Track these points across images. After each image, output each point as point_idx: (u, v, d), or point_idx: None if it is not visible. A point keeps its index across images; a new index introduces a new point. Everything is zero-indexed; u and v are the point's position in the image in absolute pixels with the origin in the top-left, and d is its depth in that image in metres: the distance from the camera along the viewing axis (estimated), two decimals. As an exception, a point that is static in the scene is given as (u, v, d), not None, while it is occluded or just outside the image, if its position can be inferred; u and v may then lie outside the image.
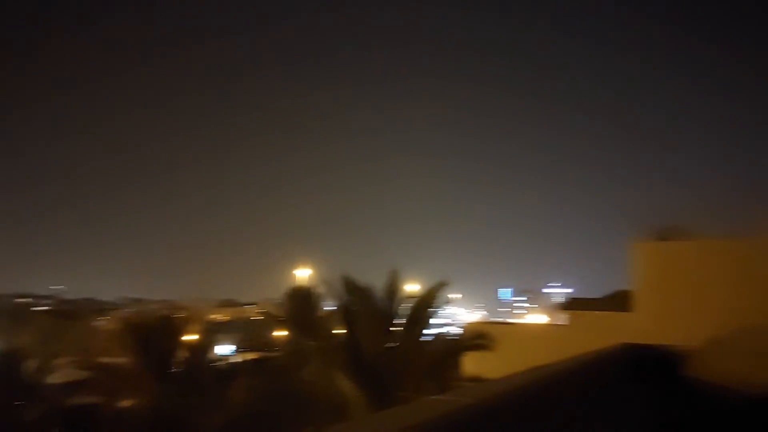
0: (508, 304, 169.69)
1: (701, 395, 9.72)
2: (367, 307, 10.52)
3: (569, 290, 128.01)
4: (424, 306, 11.54)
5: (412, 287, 15.22)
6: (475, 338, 15.13)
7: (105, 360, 16.40)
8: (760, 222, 20.29)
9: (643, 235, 20.62)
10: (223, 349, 35.77)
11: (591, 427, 8.72)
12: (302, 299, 15.93)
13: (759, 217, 20.67)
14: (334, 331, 11.88)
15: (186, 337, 16.54)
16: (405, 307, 11.79)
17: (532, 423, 5.45)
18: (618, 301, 23.07)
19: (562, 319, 27.34)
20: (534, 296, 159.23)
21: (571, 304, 30.14)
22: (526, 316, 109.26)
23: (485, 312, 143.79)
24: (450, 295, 16.22)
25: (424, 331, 12.42)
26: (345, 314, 10.77)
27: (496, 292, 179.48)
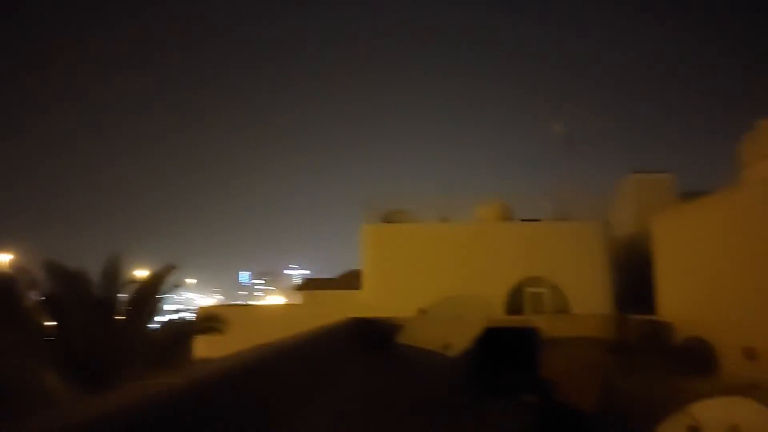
0: (247, 288, 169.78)
1: (411, 358, 11.07)
2: (80, 295, 9.39)
3: (307, 272, 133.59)
4: (151, 291, 10.78)
5: (140, 272, 14.15)
6: (207, 322, 14.77)
7: None
8: (467, 209, 23.62)
9: (371, 218, 22.59)
10: None
11: (320, 392, 9.23)
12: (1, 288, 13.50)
13: (464, 205, 24.06)
14: (45, 323, 10.40)
15: None
16: (131, 294, 10.88)
17: (255, 395, 5.52)
18: (350, 280, 24.88)
19: (299, 299, 28.35)
20: (273, 279, 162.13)
21: (307, 285, 31.39)
22: (265, 299, 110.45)
23: (223, 296, 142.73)
24: (184, 280, 15.45)
25: (154, 318, 11.64)
26: (52, 303, 9.45)
27: (237, 276, 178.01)
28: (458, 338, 10.38)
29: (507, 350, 11.01)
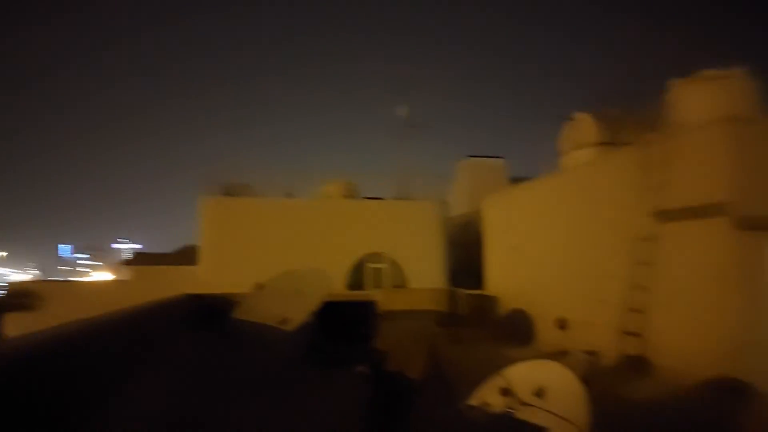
0: (69, 262, 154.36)
1: (247, 334, 10.74)
2: None
3: (138, 246, 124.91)
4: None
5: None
6: (19, 298, 13.25)
7: None
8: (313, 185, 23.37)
9: (211, 191, 21.53)
10: None
11: (147, 368, 8.60)
12: None
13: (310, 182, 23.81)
14: None
15: None
16: None
17: (67, 371, 4.99)
18: (186, 256, 23.56)
19: (128, 275, 26.29)
20: (99, 253, 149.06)
21: (137, 260, 29.19)
22: (91, 274, 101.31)
23: (40, 271, 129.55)
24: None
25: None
26: None
27: (56, 249, 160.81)
28: (296, 312, 10.26)
29: (344, 323, 11.14)
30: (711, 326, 9.48)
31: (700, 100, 11.61)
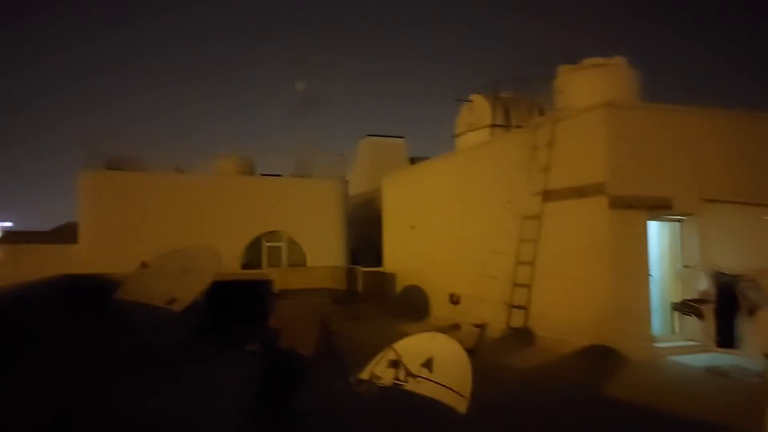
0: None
1: (132, 315, 10.14)
2: None
3: (8, 224, 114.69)
4: None
5: None
6: None
7: None
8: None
9: (93, 164, 20.03)
10: None
11: (28, 351, 7.88)
12: None
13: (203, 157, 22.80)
14: None
15: None
16: None
17: None
18: (67, 234, 21.84)
19: (-2, 254, 23.99)
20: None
21: (8, 238, 26.70)
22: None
23: None
24: None
25: None
26: None
27: None
28: (184, 292, 9.79)
29: (237, 303, 10.82)
30: (586, 298, 10.18)
31: (583, 86, 12.31)
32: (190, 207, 19.94)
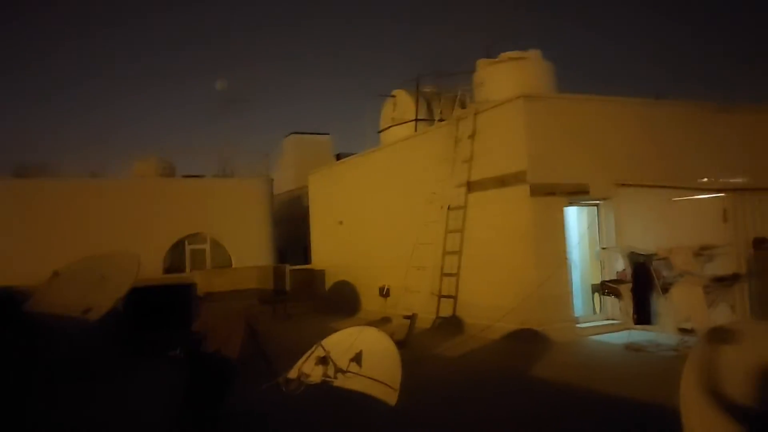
0: None
1: (44, 328, 9.51)
2: None
3: None
4: None
5: None
6: None
7: None
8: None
9: (4, 171, 18.69)
10: None
11: None
12: None
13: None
14: None
15: None
16: None
17: None
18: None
19: None
20: None
21: None
22: None
23: None
24: None
25: None
26: None
27: None
28: (100, 300, 9.25)
29: (158, 309, 10.34)
30: (511, 284, 10.44)
31: (501, 79, 12.62)
32: (107, 213, 18.94)
